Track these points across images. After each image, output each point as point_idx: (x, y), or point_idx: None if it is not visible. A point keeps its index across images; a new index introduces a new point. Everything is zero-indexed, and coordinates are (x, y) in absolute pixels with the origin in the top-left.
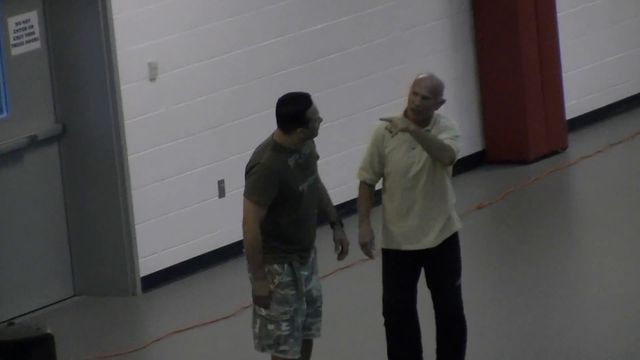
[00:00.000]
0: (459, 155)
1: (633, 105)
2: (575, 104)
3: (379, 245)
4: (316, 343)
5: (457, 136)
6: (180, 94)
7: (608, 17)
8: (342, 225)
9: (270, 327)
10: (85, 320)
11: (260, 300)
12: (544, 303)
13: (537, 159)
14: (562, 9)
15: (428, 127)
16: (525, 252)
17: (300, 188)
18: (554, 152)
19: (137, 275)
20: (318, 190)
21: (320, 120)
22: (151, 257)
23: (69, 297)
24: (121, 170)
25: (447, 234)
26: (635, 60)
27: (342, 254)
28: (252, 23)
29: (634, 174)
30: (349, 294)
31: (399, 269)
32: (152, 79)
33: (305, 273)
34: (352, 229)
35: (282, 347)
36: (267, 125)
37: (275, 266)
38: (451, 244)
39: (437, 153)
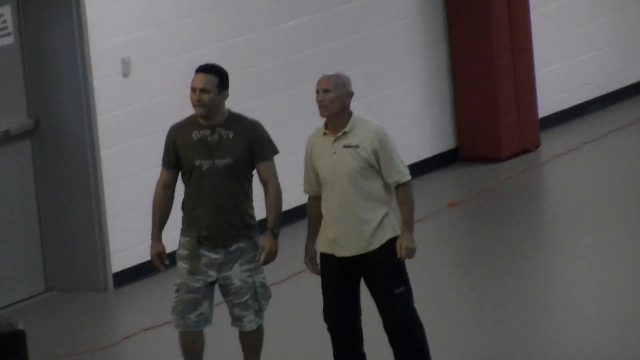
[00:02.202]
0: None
1: (605, 104)
2: (547, 103)
3: (318, 249)
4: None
5: (399, 157)
6: (153, 90)
7: (580, 16)
8: (274, 235)
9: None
10: (57, 317)
11: (151, 260)
12: (512, 303)
13: (509, 157)
14: (535, 8)
15: (346, 130)
16: (495, 251)
17: (198, 163)
18: (526, 151)
19: (109, 271)
20: (265, 191)
21: (192, 90)
22: (123, 253)
23: (41, 293)
24: (94, 165)
25: (380, 241)
26: (607, 59)
27: (263, 261)
28: (224, 19)
29: (607, 173)
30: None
31: (335, 274)
32: (125, 75)
33: (215, 256)
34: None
35: (172, 316)
36: None
37: (180, 237)
38: (385, 251)
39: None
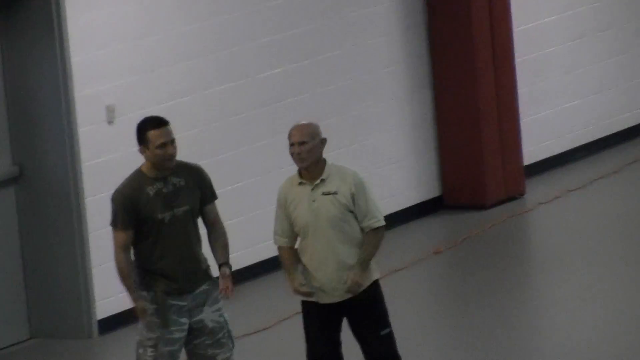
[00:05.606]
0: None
1: (590, 152)
2: (532, 150)
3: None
4: None
5: (374, 203)
6: None
7: (565, 64)
8: (230, 268)
9: (140, 350)
10: None
11: (139, 316)
12: (499, 349)
13: (494, 205)
14: (520, 56)
15: (323, 177)
16: (481, 298)
17: (160, 216)
18: (511, 198)
19: (93, 318)
20: (213, 232)
21: (162, 146)
22: (108, 300)
23: (25, 340)
24: (78, 212)
25: (365, 284)
26: (592, 107)
27: (224, 290)
28: (208, 67)
29: (592, 220)
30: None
31: (318, 321)
32: (110, 122)
33: (183, 303)
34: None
35: None
36: (222, 169)
37: (144, 293)
38: (370, 293)
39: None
